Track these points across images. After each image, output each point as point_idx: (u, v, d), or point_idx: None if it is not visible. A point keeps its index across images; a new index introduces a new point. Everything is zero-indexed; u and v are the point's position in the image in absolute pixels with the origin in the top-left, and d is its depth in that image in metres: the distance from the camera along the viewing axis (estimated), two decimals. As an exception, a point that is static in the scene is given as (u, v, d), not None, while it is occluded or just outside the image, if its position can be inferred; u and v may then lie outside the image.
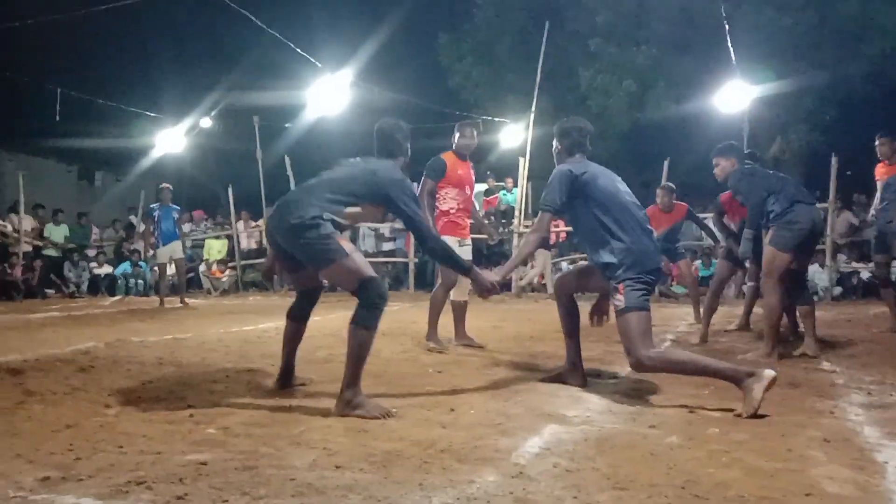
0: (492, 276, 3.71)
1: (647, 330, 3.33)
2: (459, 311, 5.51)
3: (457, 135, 5.47)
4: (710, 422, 2.94)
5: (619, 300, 3.34)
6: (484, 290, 3.58)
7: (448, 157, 5.40)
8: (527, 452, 2.46)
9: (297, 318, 3.68)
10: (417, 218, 3.42)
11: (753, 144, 13.98)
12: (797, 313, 5.43)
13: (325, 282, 3.81)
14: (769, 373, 3.04)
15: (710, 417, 3.03)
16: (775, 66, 13.74)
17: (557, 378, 3.84)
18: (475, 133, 5.54)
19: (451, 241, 4.85)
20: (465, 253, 5.22)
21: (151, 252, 11.20)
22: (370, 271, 3.16)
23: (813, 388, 3.72)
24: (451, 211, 5.32)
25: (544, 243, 3.83)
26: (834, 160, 11.11)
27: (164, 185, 10.45)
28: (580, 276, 3.95)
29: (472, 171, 5.55)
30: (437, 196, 5.32)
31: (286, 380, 3.65)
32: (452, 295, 5.40)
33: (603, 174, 3.64)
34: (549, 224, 3.72)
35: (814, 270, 11.06)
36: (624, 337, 3.31)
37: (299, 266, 3.44)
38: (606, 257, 3.45)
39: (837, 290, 11.02)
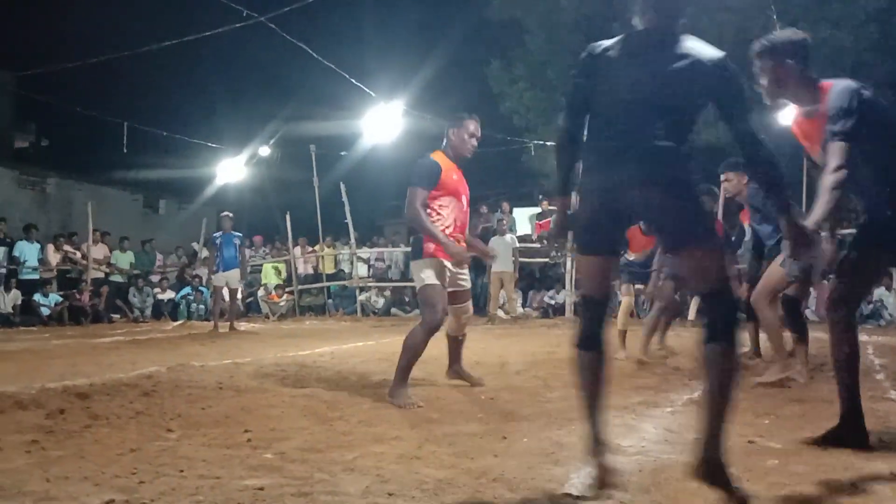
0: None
1: None
2: (456, 346, 4.70)
3: (456, 130, 4.26)
4: (769, 453, 2.86)
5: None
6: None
7: (441, 160, 4.22)
8: (580, 483, 2.44)
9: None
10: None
11: (812, 166, 13.65)
12: (759, 334, 5.39)
13: None
14: None
15: (770, 448, 2.95)
16: (836, 85, 13.38)
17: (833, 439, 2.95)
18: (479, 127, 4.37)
19: (440, 263, 4.18)
20: (464, 281, 4.39)
21: (197, 277, 11.45)
22: None
23: (878, 418, 3.58)
24: (447, 230, 4.18)
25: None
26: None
27: (225, 213, 10.75)
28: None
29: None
30: (430, 210, 4.17)
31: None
32: (449, 330, 4.57)
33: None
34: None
35: (881, 294, 10.68)
36: None
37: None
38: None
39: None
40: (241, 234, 10.97)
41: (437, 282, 4.15)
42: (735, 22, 14.58)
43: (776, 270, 4.68)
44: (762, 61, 3.15)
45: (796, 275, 4.55)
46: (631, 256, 6.21)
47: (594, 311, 2.43)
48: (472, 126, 4.29)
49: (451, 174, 4.22)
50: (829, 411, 3.72)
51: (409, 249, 5.56)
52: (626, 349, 6.03)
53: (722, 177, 5.17)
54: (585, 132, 2.46)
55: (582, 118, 2.47)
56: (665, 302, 6.07)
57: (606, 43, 2.51)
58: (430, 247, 4.17)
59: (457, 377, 4.70)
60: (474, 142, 4.31)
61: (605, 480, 2.27)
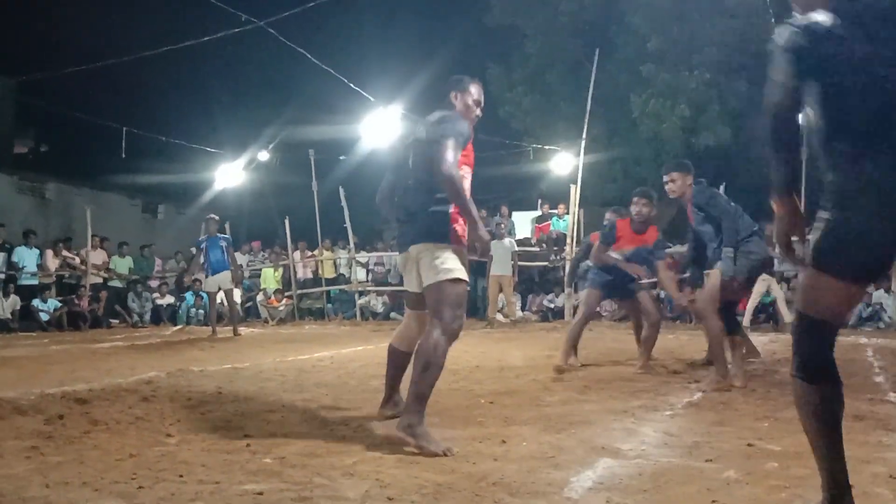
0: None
1: None
2: (403, 366, 3.61)
3: (461, 94, 3.50)
4: (769, 456, 2.86)
5: None
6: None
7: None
8: (580, 487, 2.44)
9: None
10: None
11: (812, 166, 13.67)
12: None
13: None
14: None
15: (770, 451, 2.95)
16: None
17: None
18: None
19: (464, 253, 3.30)
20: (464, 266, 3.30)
21: (197, 281, 11.44)
22: None
23: (878, 420, 3.58)
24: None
25: None
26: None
27: (210, 216, 10.68)
28: None
29: None
30: None
31: None
32: (398, 344, 3.63)
33: None
34: None
35: (879, 296, 10.69)
36: None
37: None
38: None
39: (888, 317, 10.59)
40: (228, 237, 10.90)
41: (465, 277, 3.21)
42: (737, 27, 14.64)
43: (719, 277, 4.60)
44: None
45: (731, 275, 4.52)
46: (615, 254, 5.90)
47: (826, 336, 2.03)
48: (477, 91, 3.54)
49: (471, 143, 3.39)
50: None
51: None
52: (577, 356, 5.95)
53: (665, 177, 4.95)
54: (832, 130, 1.95)
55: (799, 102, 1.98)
56: (589, 310, 5.95)
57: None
58: (458, 229, 3.21)
59: (392, 413, 3.54)
60: (478, 111, 3.55)
61: None
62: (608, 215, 6.89)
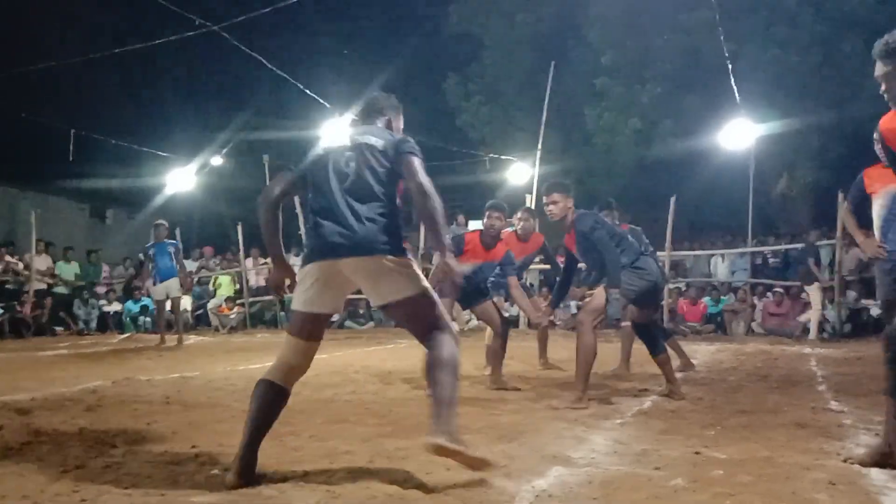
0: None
1: None
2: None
3: (401, 117, 3.30)
4: (715, 464, 2.92)
5: None
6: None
7: None
8: (531, 495, 2.45)
9: None
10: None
11: (759, 181, 14.07)
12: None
13: None
14: None
15: (716, 459, 3.01)
16: (781, 104, 13.86)
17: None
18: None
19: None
20: None
21: (145, 289, 11.18)
22: None
23: (820, 428, 3.69)
24: None
25: None
26: (841, 197, 11.11)
27: (159, 221, 10.43)
28: None
29: None
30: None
31: None
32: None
33: None
34: None
35: (817, 308, 10.99)
36: None
37: None
38: None
39: (847, 327, 10.94)
40: (175, 242, 10.68)
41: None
42: (686, 42, 15.00)
43: (604, 294, 4.53)
44: (885, 63, 2.76)
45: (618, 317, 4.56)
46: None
47: None
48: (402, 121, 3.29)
49: None
50: (773, 421, 3.83)
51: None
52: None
53: (545, 198, 4.74)
54: None
55: None
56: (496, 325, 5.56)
57: None
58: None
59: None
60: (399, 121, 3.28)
61: None
62: (520, 214, 6.67)
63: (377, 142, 2.93)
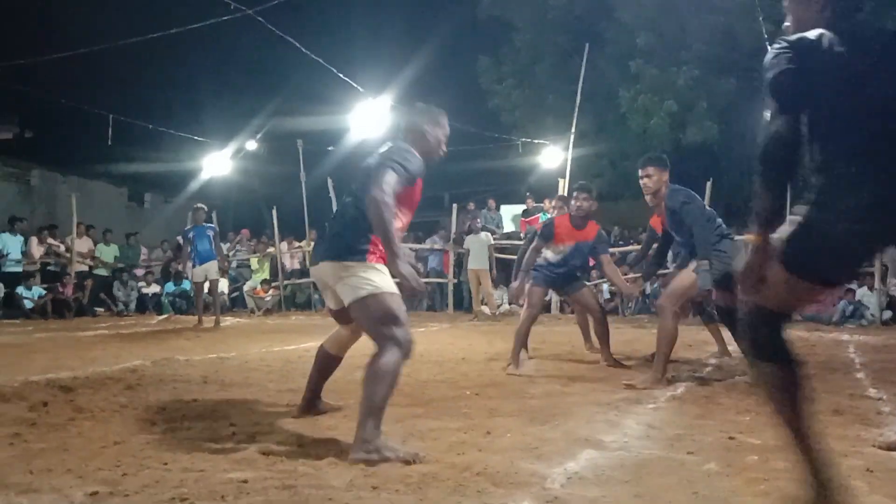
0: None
1: None
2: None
3: (431, 128, 3.25)
4: (749, 449, 2.90)
5: None
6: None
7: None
8: (562, 478, 2.46)
9: None
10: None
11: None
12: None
13: None
14: None
15: (750, 445, 2.99)
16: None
17: None
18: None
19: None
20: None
21: (187, 272, 11.39)
22: None
23: (857, 415, 3.63)
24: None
25: None
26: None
27: (198, 205, 10.57)
28: None
29: None
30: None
31: None
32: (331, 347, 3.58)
33: None
34: None
35: (862, 293, 10.80)
36: None
37: None
38: None
39: (887, 313, 10.71)
40: (214, 226, 10.84)
41: (395, 290, 2.95)
42: (726, 24, 14.70)
43: (691, 279, 4.53)
44: None
45: (709, 287, 4.43)
46: (549, 254, 5.66)
47: (781, 324, 2.03)
48: (446, 125, 3.34)
49: (420, 182, 3.14)
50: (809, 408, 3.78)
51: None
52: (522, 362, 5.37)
53: (641, 171, 4.75)
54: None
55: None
56: (534, 309, 5.64)
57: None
58: (374, 256, 2.98)
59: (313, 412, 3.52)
60: (444, 147, 3.34)
61: None
62: (553, 202, 6.68)
63: (374, 159, 3.05)
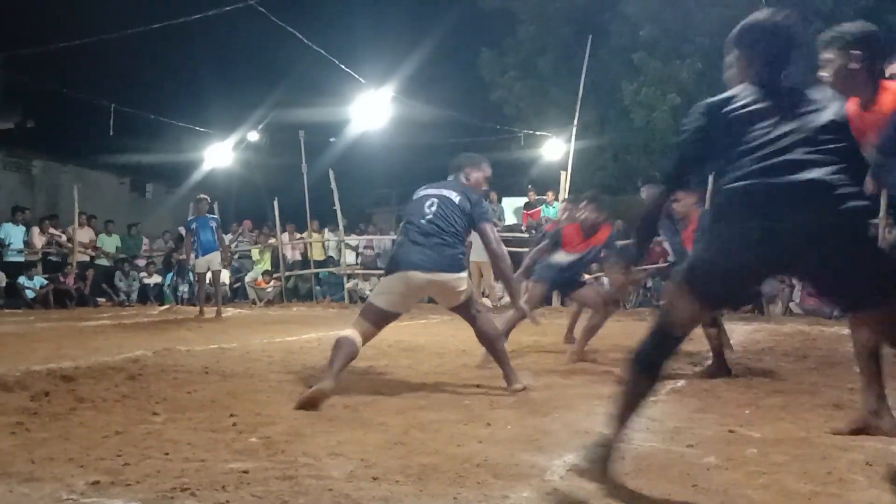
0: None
1: None
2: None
3: (475, 173, 4.39)
4: (749, 443, 2.90)
5: None
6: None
7: None
8: (562, 470, 2.47)
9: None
10: None
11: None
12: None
13: None
14: None
15: (750, 438, 2.99)
16: (825, 80, 13.50)
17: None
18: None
19: None
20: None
21: (191, 263, 11.41)
22: None
23: (858, 410, 3.63)
24: None
25: None
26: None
27: (201, 196, 10.58)
28: None
29: None
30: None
31: None
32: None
33: None
34: None
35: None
36: None
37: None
38: None
39: None
40: (216, 217, 10.84)
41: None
42: (726, 16, 14.62)
43: None
44: (830, 52, 2.96)
45: None
46: (561, 256, 5.70)
47: (674, 348, 2.29)
48: (489, 171, 4.42)
49: None
50: (810, 402, 3.79)
51: (395, 237, 4.76)
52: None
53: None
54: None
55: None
56: (531, 305, 5.41)
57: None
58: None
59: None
60: (486, 185, 4.47)
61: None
62: (564, 205, 6.71)
63: (454, 196, 4.11)
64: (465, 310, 4.12)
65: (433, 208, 4.04)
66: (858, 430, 3.01)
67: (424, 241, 3.96)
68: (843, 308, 2.26)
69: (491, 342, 4.15)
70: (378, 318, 3.96)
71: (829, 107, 2.20)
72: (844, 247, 2.01)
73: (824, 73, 2.93)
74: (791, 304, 11.52)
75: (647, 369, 2.29)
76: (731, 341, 6.51)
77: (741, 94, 2.26)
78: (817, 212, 2.00)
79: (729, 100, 2.25)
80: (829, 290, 2.29)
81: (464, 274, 4.10)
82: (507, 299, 12.53)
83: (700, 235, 2.08)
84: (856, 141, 2.16)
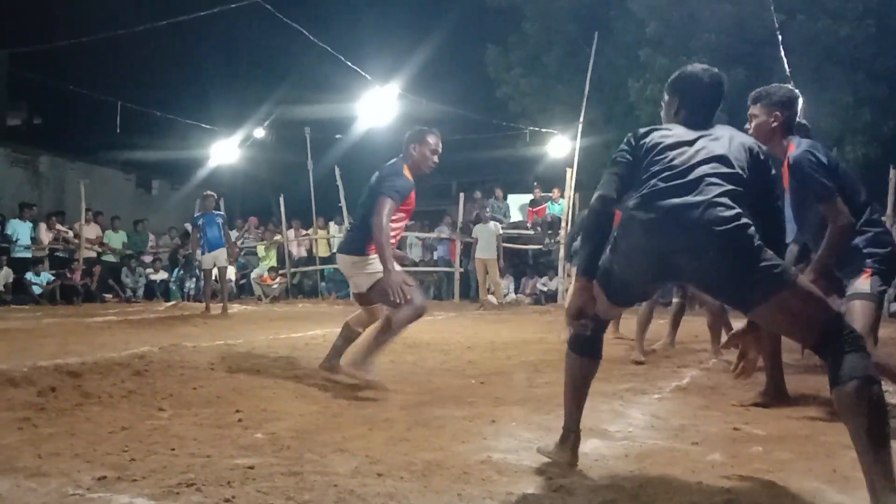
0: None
1: None
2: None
3: (418, 146, 4.07)
4: (754, 440, 2.90)
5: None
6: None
7: (409, 176, 4.05)
8: (565, 466, 2.47)
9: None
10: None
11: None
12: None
13: None
14: None
15: (755, 435, 2.99)
16: (832, 77, 13.44)
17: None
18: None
19: None
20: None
21: (197, 259, 11.44)
22: None
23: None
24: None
25: None
26: (892, 173, 10.80)
27: (207, 192, 10.58)
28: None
29: None
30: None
31: None
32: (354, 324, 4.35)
33: None
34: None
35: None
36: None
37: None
38: None
39: (895, 306, 10.66)
40: (223, 213, 10.85)
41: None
42: (733, 13, 14.57)
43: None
44: (756, 109, 3.38)
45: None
46: None
47: (601, 328, 2.53)
48: (434, 142, 4.08)
49: (413, 192, 4.06)
50: (815, 400, 3.78)
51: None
52: None
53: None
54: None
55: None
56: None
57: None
58: (373, 249, 3.94)
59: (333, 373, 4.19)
60: (436, 158, 4.12)
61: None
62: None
63: (374, 179, 4.05)
64: (371, 296, 4.04)
65: (364, 196, 4.10)
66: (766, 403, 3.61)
67: (350, 226, 4.23)
68: (734, 308, 2.44)
69: (385, 331, 3.93)
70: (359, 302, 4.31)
71: (726, 142, 2.40)
72: (719, 259, 2.19)
73: (748, 126, 3.31)
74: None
75: (585, 353, 2.50)
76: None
77: (662, 129, 2.52)
78: (693, 231, 2.20)
79: (650, 132, 2.50)
80: (715, 295, 2.60)
81: (367, 257, 3.96)
82: (512, 296, 12.57)
83: (610, 248, 2.25)
84: (747, 172, 2.35)
